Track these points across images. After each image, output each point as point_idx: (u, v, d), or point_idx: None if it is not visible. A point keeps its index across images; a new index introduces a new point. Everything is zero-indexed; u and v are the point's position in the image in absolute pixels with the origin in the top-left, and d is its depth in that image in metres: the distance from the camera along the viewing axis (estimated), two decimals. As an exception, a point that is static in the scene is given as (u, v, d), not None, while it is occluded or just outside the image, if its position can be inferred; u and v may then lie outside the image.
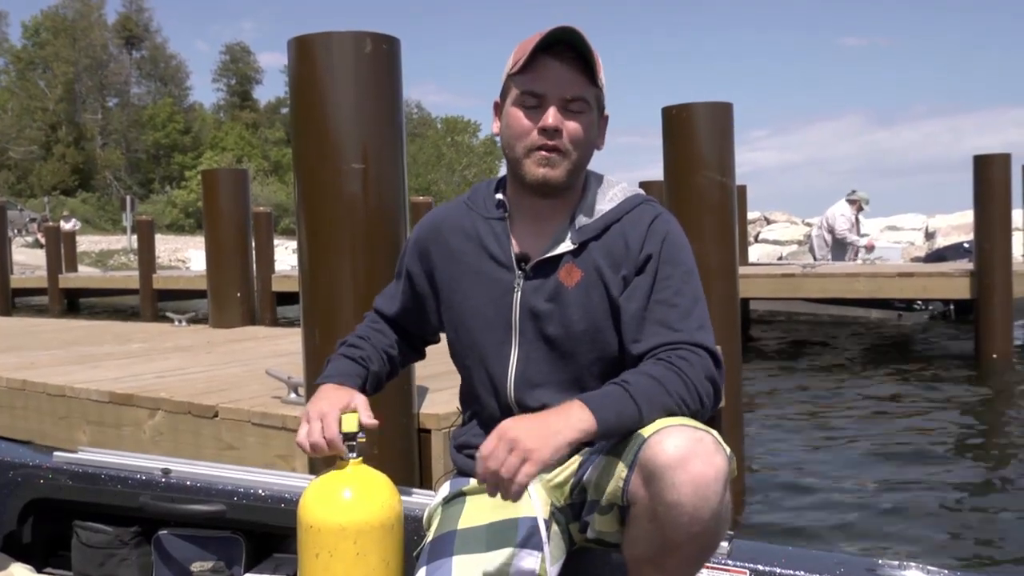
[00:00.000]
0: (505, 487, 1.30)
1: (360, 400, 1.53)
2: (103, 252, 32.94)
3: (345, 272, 2.78)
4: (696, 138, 4.33)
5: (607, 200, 1.60)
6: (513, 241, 1.60)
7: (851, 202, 10.95)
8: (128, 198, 35.53)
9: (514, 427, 1.32)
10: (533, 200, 1.58)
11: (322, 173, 2.79)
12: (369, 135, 2.78)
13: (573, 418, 1.33)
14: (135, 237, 25.56)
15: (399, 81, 2.86)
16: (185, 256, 30.13)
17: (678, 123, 4.38)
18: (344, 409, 1.51)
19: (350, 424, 1.51)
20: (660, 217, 1.58)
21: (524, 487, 1.30)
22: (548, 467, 1.32)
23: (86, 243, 31.82)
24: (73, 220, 28.50)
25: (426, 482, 2.92)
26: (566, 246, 1.56)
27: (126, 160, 55.50)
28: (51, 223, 23.52)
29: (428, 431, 2.98)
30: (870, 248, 11.29)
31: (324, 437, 1.48)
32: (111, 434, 3.79)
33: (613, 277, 1.55)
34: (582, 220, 1.57)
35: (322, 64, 2.76)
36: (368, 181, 2.78)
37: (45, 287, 18.07)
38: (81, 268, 23.36)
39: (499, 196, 1.63)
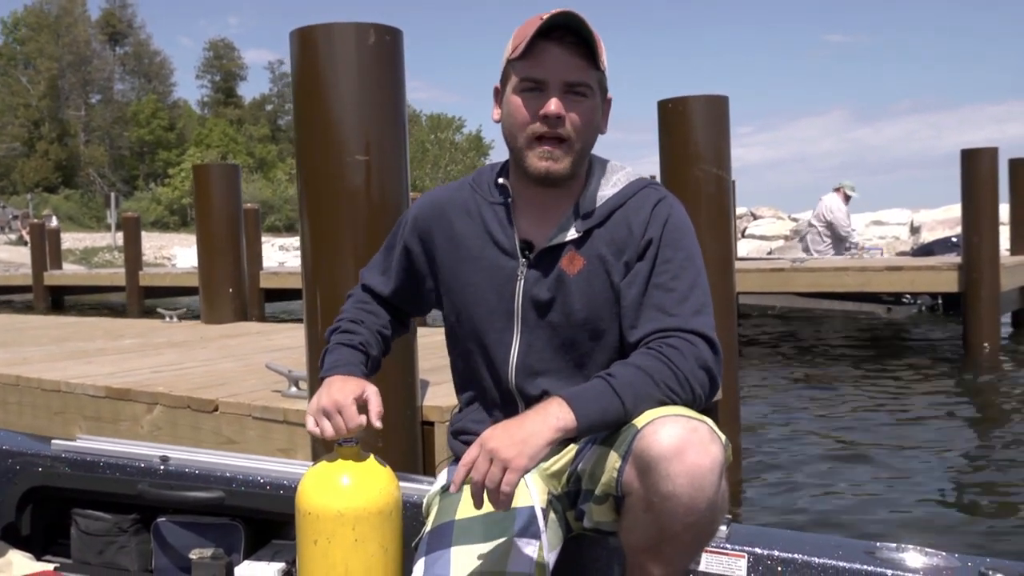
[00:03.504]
0: (492, 498, 1.31)
1: (372, 390, 1.51)
2: (87, 249, 32.75)
3: (348, 264, 2.77)
4: (692, 131, 4.33)
5: (611, 186, 1.58)
6: (517, 227, 1.58)
7: (836, 190, 10.97)
8: (112, 195, 35.36)
9: (492, 437, 1.33)
10: (537, 187, 1.56)
11: (325, 165, 2.78)
12: (372, 127, 2.77)
13: (551, 417, 1.32)
14: (120, 234, 25.39)
15: (402, 73, 2.85)
16: (171, 253, 29.98)
17: (674, 116, 4.38)
18: (359, 399, 1.49)
19: None
20: (663, 201, 1.57)
21: (510, 496, 1.30)
22: (535, 464, 1.32)
23: (70, 240, 31.63)
24: (53, 218, 28.32)
25: (429, 474, 2.92)
26: (570, 234, 1.54)
27: (110, 157, 55.19)
28: (33, 220, 23.34)
29: (431, 423, 2.98)
30: (862, 247, 11.26)
31: (347, 427, 1.46)
32: (108, 429, 3.77)
33: (616, 263, 1.54)
34: (586, 207, 1.56)
35: (324, 55, 2.75)
36: (371, 173, 2.77)
37: (30, 285, 17.95)
38: (65, 266, 23.21)
39: (501, 181, 1.61)
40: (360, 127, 2.76)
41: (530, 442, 1.31)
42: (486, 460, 1.31)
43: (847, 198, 10.90)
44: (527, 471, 1.31)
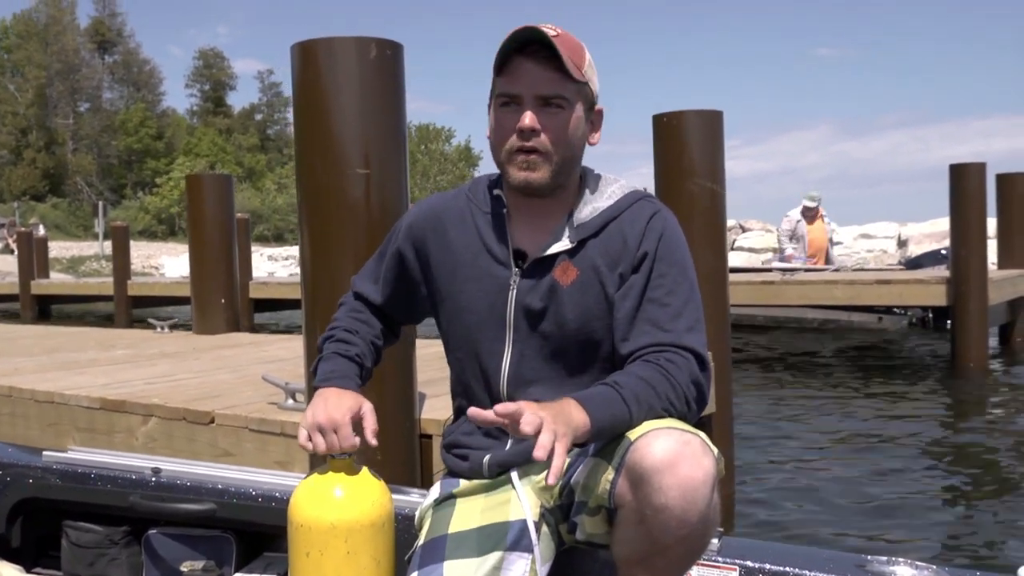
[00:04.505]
0: (542, 455, 1.25)
1: (368, 407, 1.51)
2: (74, 258, 32.59)
3: (348, 277, 2.75)
4: (687, 145, 4.37)
5: (605, 197, 1.59)
6: (511, 237, 1.59)
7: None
8: (100, 204, 35.23)
9: (543, 408, 1.29)
10: (529, 198, 1.57)
11: (325, 178, 2.78)
12: (372, 140, 2.78)
13: (574, 416, 1.33)
14: (107, 243, 25.30)
15: (402, 86, 2.87)
16: (158, 262, 29.89)
17: (669, 130, 4.42)
18: (355, 416, 1.48)
19: None
20: (658, 214, 1.57)
21: (564, 466, 1.26)
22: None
23: (57, 249, 31.45)
24: (40, 227, 28.21)
25: (427, 487, 2.92)
26: (563, 244, 1.55)
27: (98, 165, 54.99)
28: (20, 228, 23.23)
29: (429, 436, 2.99)
30: (788, 259, 10.85)
31: (341, 447, 1.46)
32: (102, 440, 3.75)
33: (610, 275, 1.54)
34: (580, 218, 1.56)
35: (325, 69, 2.76)
36: (371, 186, 2.78)
37: (17, 293, 17.84)
38: (53, 274, 23.09)
39: (497, 192, 1.62)
40: (361, 140, 2.77)
41: (571, 424, 1.30)
42: (550, 425, 1.27)
43: (806, 210, 10.72)
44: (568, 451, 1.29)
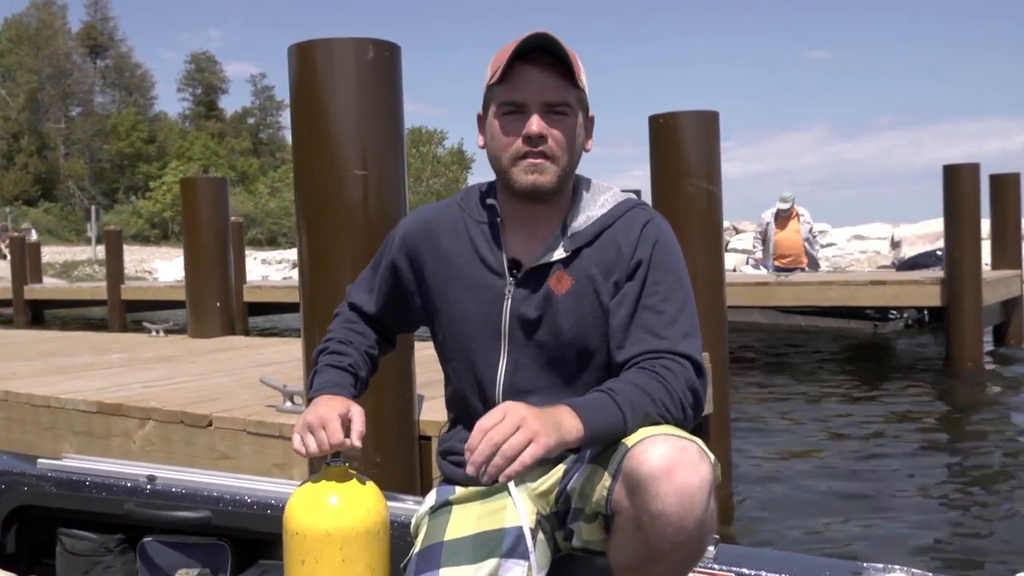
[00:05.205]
0: (501, 465, 1.26)
1: (357, 410, 1.52)
2: (67, 263, 32.48)
3: (346, 279, 2.75)
4: (683, 146, 4.37)
5: (598, 206, 1.59)
6: (505, 247, 1.59)
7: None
8: (92, 208, 35.14)
9: (521, 407, 1.31)
10: (524, 206, 1.57)
11: (323, 180, 2.78)
12: (370, 141, 2.78)
13: (565, 420, 1.33)
14: (100, 248, 25.24)
15: (400, 87, 2.87)
16: (152, 267, 29.82)
17: (665, 131, 4.42)
18: (344, 417, 1.50)
19: None
20: (652, 222, 1.58)
21: (525, 469, 1.27)
22: (548, 455, 1.30)
23: (49, 254, 31.34)
24: (33, 232, 28.15)
25: (427, 489, 2.92)
26: (559, 254, 1.55)
27: (90, 170, 54.81)
28: (13, 233, 23.18)
29: (428, 438, 2.99)
30: (756, 263, 10.82)
31: (330, 443, 1.47)
32: (99, 444, 3.75)
33: (605, 283, 1.54)
34: (574, 227, 1.57)
35: (323, 71, 2.76)
36: (369, 187, 2.78)
37: (10, 298, 17.79)
38: (45, 279, 23.02)
39: (490, 201, 1.62)
40: (359, 142, 2.77)
41: (559, 429, 1.31)
42: (512, 425, 1.28)
43: (778, 210, 10.50)
44: (550, 454, 1.29)
